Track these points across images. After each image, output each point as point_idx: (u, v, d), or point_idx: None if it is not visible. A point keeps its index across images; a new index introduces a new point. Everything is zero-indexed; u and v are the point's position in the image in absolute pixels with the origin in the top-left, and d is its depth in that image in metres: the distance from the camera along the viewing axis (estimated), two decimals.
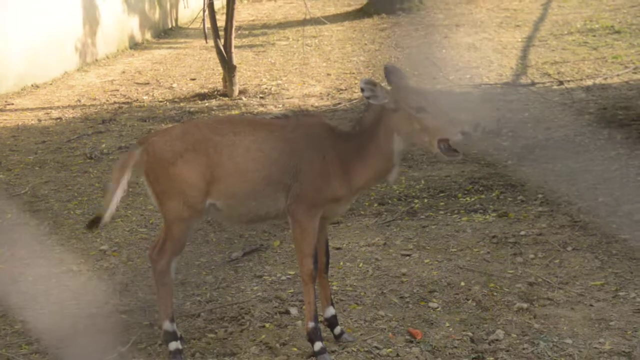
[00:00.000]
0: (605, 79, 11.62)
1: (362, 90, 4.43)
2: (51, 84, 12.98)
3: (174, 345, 4.70)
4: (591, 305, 5.26)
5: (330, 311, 4.90)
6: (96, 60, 14.68)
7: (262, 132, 4.63)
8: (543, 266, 5.91)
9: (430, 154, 8.11)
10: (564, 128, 9.41)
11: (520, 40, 14.61)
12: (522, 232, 6.52)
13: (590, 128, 9.22)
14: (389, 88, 4.54)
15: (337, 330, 4.90)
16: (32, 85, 12.72)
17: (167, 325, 4.71)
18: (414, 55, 14.50)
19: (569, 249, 6.16)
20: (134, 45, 16.08)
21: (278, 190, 4.58)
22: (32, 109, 11.57)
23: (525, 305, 5.25)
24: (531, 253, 6.13)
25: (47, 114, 11.32)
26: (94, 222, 4.68)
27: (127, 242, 6.78)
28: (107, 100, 11.99)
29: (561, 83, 11.56)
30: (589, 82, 11.50)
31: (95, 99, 12.08)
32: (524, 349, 4.71)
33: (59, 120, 10.96)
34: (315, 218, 4.62)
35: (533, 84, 11.67)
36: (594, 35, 14.38)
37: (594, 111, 9.95)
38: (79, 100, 12.01)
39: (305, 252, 4.62)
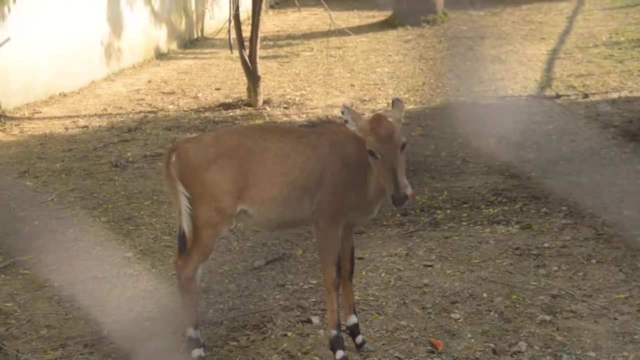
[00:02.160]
0: (631, 92, 11.55)
1: (342, 112, 4.50)
2: (78, 93, 13.12)
3: (197, 352, 4.73)
4: (615, 318, 5.23)
5: (353, 319, 4.91)
6: (123, 69, 14.82)
7: (289, 138, 4.72)
8: (567, 279, 5.88)
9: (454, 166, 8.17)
10: (589, 141, 9.36)
11: (545, 52, 14.57)
12: (546, 244, 6.50)
13: (616, 141, 9.18)
14: (363, 119, 4.53)
15: (359, 339, 4.91)
16: (59, 94, 12.87)
17: (191, 332, 4.75)
18: (438, 67, 14.49)
19: (593, 261, 6.13)
20: (160, 55, 16.21)
21: (303, 195, 4.63)
22: (59, 118, 11.71)
23: (548, 318, 5.23)
24: (555, 265, 6.11)
25: (74, 122, 11.44)
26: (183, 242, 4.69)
27: (151, 249, 6.84)
28: (133, 109, 12.10)
29: (586, 96, 11.51)
30: (615, 95, 11.44)
31: (121, 108, 12.20)
32: None
33: (85, 128, 11.08)
34: (338, 227, 4.65)
35: (558, 96, 11.63)
36: (620, 48, 14.31)
37: (619, 124, 9.90)
38: (105, 109, 12.13)
39: (329, 261, 4.65)
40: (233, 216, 4.66)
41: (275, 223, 4.77)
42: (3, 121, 11.21)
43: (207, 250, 4.71)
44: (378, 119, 4.47)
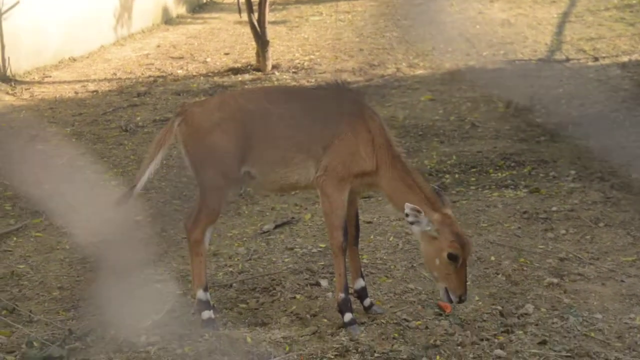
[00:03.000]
0: None
1: (407, 215, 4.45)
2: (88, 58, 13.12)
3: (207, 314, 4.79)
4: (622, 280, 5.27)
5: (360, 283, 4.96)
6: (132, 34, 14.78)
7: (296, 100, 4.75)
8: (574, 242, 5.91)
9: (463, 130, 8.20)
10: (599, 104, 9.33)
11: (555, 16, 14.44)
12: (554, 208, 6.51)
13: (626, 105, 9.14)
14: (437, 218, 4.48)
15: (367, 302, 4.96)
16: (69, 59, 12.87)
17: (200, 294, 4.80)
18: (448, 32, 14.39)
19: (601, 224, 6.15)
20: (169, 20, 16.15)
21: (309, 158, 4.65)
22: (69, 82, 11.73)
23: (555, 280, 5.27)
24: (562, 229, 6.13)
25: (84, 86, 11.46)
26: (126, 196, 4.79)
27: (161, 213, 6.89)
28: (142, 74, 12.10)
29: (596, 59, 11.44)
30: (625, 59, 11.37)
31: (130, 73, 12.20)
32: (553, 323, 4.73)
33: (95, 93, 11.10)
34: (344, 191, 4.68)
35: (568, 60, 11.56)
36: (631, 11, 14.17)
37: (629, 88, 9.85)
38: (115, 74, 12.14)
39: (335, 225, 4.68)
40: (239, 179, 4.69)
41: (277, 185, 4.80)
42: (13, 85, 11.23)
43: (215, 213, 4.74)
44: (455, 223, 4.50)
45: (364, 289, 4.97)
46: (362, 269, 5.04)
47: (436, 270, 4.52)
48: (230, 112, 4.68)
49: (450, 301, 4.55)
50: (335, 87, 4.84)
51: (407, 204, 4.44)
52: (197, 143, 4.65)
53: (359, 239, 5.00)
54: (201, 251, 4.79)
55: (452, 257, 4.44)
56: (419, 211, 4.44)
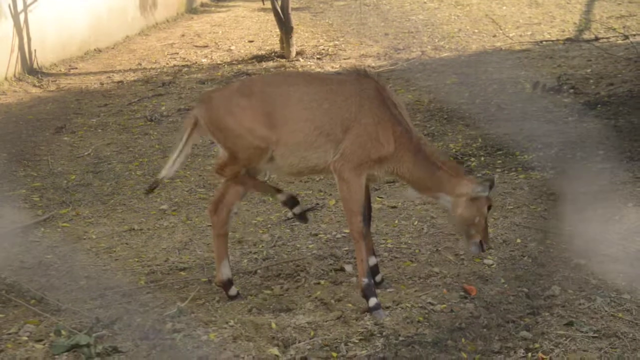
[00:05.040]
0: None
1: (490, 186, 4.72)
2: (113, 48, 13.20)
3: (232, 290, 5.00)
4: None
5: (372, 260, 4.97)
6: (156, 24, 14.84)
7: (316, 84, 4.74)
8: (602, 222, 5.82)
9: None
10: (628, 83, 9.18)
11: None
12: (582, 189, 6.42)
13: None
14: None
15: (378, 277, 5.02)
16: (94, 50, 12.96)
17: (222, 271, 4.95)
18: (474, 13, 14.25)
19: (630, 204, 6.06)
20: (193, 9, 16.19)
21: (328, 142, 4.63)
22: (94, 73, 11.81)
23: (582, 262, 5.20)
24: (590, 210, 6.04)
25: (109, 77, 11.53)
26: (153, 186, 4.95)
27: (186, 201, 6.92)
28: (167, 64, 12.14)
29: (626, 37, 11.24)
30: None
31: (155, 62, 12.25)
32: (580, 304, 4.68)
33: (120, 83, 11.17)
34: (362, 176, 4.66)
35: (597, 39, 11.38)
36: None
37: None
38: (140, 64, 12.19)
39: (354, 211, 4.66)
40: (269, 148, 4.66)
41: (296, 168, 4.77)
42: (40, 77, 11.33)
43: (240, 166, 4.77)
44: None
45: (375, 265, 5.01)
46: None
47: (474, 227, 4.75)
48: (249, 93, 4.71)
49: (483, 250, 4.85)
50: (355, 72, 4.81)
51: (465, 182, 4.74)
52: (220, 125, 4.68)
53: (371, 220, 5.01)
54: (224, 232, 4.93)
55: (489, 209, 4.80)
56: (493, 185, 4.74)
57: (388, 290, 4.96)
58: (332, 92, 4.67)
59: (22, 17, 11.43)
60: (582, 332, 4.38)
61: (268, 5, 12.23)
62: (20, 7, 11.38)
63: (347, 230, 5.99)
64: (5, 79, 10.97)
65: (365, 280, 4.70)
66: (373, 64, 11.27)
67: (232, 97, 4.73)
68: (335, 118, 4.62)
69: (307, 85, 4.72)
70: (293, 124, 4.64)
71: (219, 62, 12.07)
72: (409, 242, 5.75)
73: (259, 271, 5.45)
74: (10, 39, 11.17)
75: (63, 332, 4.51)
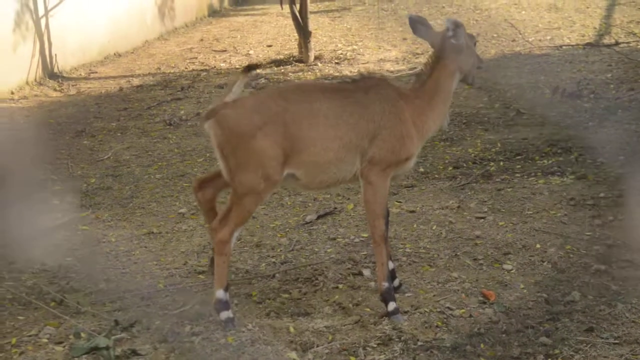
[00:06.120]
0: None
1: (447, 29, 4.76)
2: (132, 53, 13.28)
3: (225, 314, 4.64)
4: None
5: (390, 265, 4.94)
6: (175, 28, 14.92)
7: (336, 99, 4.61)
8: (623, 228, 5.77)
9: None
10: None
11: None
12: (602, 194, 6.38)
13: None
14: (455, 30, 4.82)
15: (396, 282, 4.99)
16: (114, 54, 13.05)
17: (220, 293, 4.63)
18: (493, 18, 14.21)
19: None
20: (212, 13, 16.26)
21: (356, 154, 4.61)
22: (114, 77, 11.88)
23: (603, 267, 5.16)
24: (610, 215, 6.00)
25: (129, 81, 11.60)
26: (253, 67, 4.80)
27: None
28: (186, 68, 12.20)
29: None
30: None
31: (174, 67, 12.31)
32: (600, 310, 4.64)
33: (139, 87, 11.23)
34: (388, 179, 4.67)
35: (617, 43, 11.31)
36: None
37: None
38: (159, 68, 12.25)
39: (378, 213, 4.65)
40: (280, 182, 4.59)
41: (325, 184, 4.72)
42: (60, 81, 11.42)
43: (247, 216, 4.61)
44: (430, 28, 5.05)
45: (393, 270, 4.98)
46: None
47: (473, 66, 4.93)
48: (271, 114, 4.50)
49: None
50: (367, 77, 4.80)
51: (447, 18, 4.95)
52: (237, 147, 4.46)
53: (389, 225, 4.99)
54: (226, 251, 4.60)
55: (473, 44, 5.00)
56: (458, 25, 4.79)
57: (406, 294, 4.96)
58: (354, 105, 4.62)
59: (43, 22, 11.53)
60: (603, 338, 4.34)
61: (286, 9, 12.26)
62: (41, 12, 11.49)
63: (365, 235, 5.98)
64: (27, 83, 11.06)
65: (385, 284, 4.69)
66: (391, 69, 11.26)
67: (252, 116, 4.47)
68: (362, 131, 4.59)
69: (329, 100, 4.60)
70: (321, 143, 4.53)
71: (237, 66, 12.11)
72: (428, 246, 5.73)
73: (277, 275, 5.45)
74: (31, 43, 11.27)
75: (82, 335, 4.54)
